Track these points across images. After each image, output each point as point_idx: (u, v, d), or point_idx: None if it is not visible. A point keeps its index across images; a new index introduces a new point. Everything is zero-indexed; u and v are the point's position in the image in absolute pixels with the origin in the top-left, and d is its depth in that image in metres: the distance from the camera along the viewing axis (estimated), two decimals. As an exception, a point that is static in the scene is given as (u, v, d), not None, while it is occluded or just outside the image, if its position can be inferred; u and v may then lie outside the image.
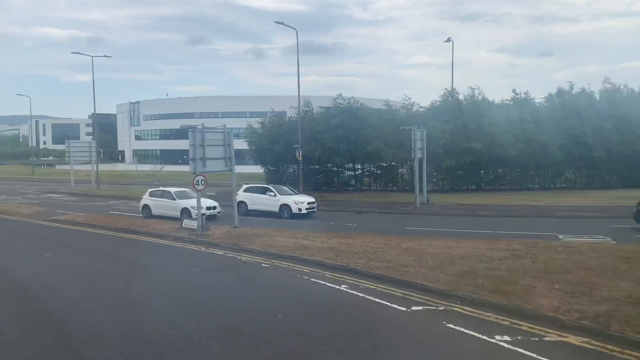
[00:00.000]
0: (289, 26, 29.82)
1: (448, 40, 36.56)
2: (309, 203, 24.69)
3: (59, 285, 12.15)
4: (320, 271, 12.94)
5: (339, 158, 32.44)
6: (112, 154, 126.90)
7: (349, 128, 31.50)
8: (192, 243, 17.20)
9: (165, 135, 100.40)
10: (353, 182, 33.93)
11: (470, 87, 34.06)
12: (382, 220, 23.59)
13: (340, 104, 33.30)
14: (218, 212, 23.87)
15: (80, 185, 43.31)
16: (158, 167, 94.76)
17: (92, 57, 41.75)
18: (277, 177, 36.19)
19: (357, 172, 35.13)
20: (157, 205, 24.78)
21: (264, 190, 25.71)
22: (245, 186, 26.31)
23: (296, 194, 25.78)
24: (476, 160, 32.29)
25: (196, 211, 20.85)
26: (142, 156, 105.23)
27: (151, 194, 25.58)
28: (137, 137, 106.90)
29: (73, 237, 19.50)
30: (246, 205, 25.33)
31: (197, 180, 17.85)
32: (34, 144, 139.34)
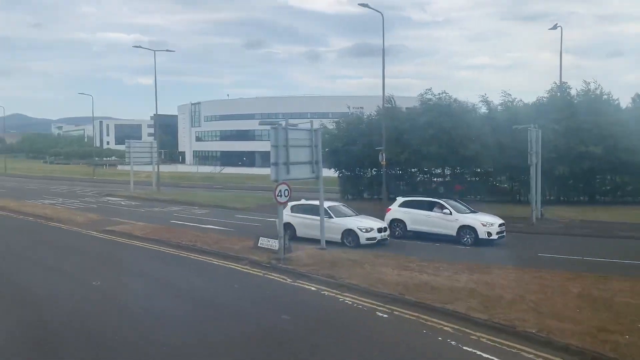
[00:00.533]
0: (374, 9, 25.77)
1: (555, 27, 31.43)
2: (499, 225, 18.31)
3: (107, 331, 8.64)
4: (470, 331, 8.78)
5: (427, 162, 28.08)
6: (172, 155, 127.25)
7: (440, 127, 27.05)
8: (274, 270, 13.43)
9: (225, 136, 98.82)
10: (442, 190, 29.42)
11: (585, 82, 28.58)
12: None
13: (430, 99, 28.88)
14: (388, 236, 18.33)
15: (140, 187, 41.01)
16: (217, 168, 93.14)
17: (155, 51, 39.41)
18: (353, 182, 32.20)
19: (446, 179, 30.56)
20: (304, 224, 18.56)
21: (431, 206, 19.37)
22: (401, 199, 20.55)
23: (473, 211, 19.44)
24: (592, 167, 27.06)
25: (366, 234, 17.20)
26: (201, 157, 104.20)
27: (294, 209, 19.20)
28: (198, 138, 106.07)
29: (128, 255, 16.23)
30: (404, 224, 19.51)
31: (280, 191, 14.06)
32: (98, 144, 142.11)
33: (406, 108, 31.42)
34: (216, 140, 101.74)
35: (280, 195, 14.07)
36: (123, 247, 17.54)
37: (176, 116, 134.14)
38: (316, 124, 34.01)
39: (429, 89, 29.16)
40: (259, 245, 15.69)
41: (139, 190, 39.30)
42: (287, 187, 14.24)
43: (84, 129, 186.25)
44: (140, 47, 38.96)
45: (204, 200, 32.74)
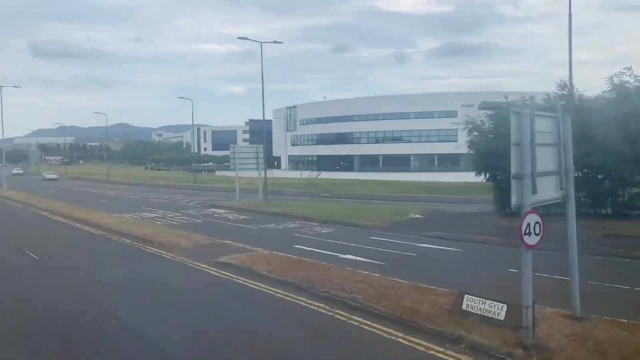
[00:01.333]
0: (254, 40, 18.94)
1: None
2: None
3: None
4: None
5: (628, 167, 20.72)
6: (267, 160, 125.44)
7: (650, 121, 19.66)
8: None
9: (322, 140, 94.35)
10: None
11: None
12: None
13: (628, 82, 21.49)
14: None
15: (244, 196, 36.77)
16: (314, 173, 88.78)
17: (261, 42, 34.90)
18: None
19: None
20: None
21: None
22: None
23: None
24: None
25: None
26: (297, 162, 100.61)
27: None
28: (293, 143, 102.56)
29: (255, 313, 10.86)
30: None
31: (529, 226, 7.96)
32: (196, 150, 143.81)
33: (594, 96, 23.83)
34: (312, 145, 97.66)
35: (529, 234, 7.96)
36: (246, 292, 12.28)
37: (270, 121, 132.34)
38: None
39: (628, 68, 21.63)
40: (463, 308, 9.70)
41: (245, 201, 34.90)
42: (538, 219, 8.11)
43: (182, 136, 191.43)
44: (246, 38, 34.62)
45: (321, 214, 27.41)
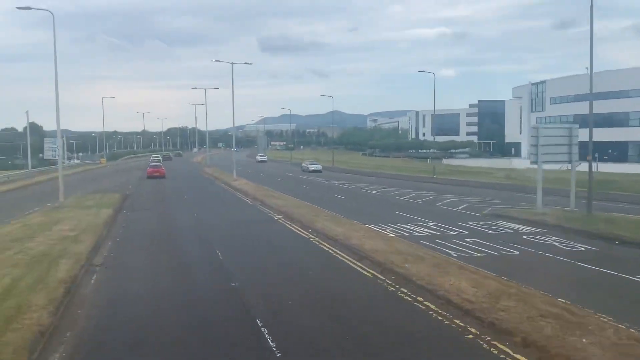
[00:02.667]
0: None
1: None
2: None
3: None
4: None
5: None
6: (499, 147, 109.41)
7: None
8: None
9: (581, 122, 75.77)
10: None
11: None
12: None
13: None
14: None
15: (531, 198, 24.92)
16: (564, 166, 71.52)
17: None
18: None
19: None
20: None
21: None
22: None
23: None
24: None
25: None
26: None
27: None
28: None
29: None
30: None
31: None
32: (413, 136, 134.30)
33: None
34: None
35: None
36: None
37: (503, 102, 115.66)
38: None
39: None
40: None
41: (553, 210, 23.00)
42: None
43: (397, 122, 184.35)
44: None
45: None
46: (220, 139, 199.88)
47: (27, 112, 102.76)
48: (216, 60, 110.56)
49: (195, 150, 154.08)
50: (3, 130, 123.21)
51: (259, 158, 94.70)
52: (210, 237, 18.77)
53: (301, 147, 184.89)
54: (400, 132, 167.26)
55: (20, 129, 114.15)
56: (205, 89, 68.80)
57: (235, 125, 59.83)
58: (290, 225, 21.13)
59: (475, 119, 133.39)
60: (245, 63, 69.19)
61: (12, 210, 27.42)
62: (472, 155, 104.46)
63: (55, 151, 45.57)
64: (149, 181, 48.48)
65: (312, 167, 61.95)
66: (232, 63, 48.03)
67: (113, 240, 18.44)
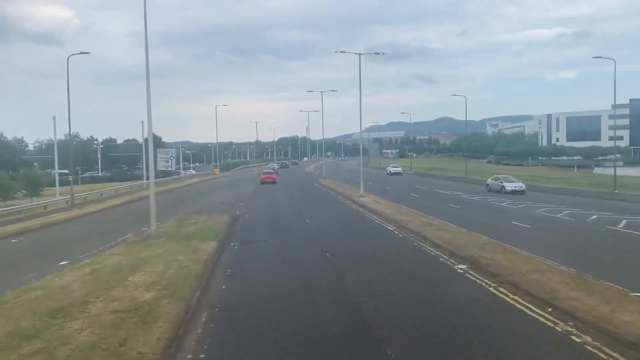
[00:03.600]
0: None
1: None
2: None
3: None
4: None
5: None
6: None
7: None
8: None
9: None
10: None
11: None
12: None
13: None
14: None
15: None
16: None
17: None
18: None
19: None
20: None
21: None
22: None
23: None
24: None
25: None
26: None
27: None
28: None
29: None
30: None
31: None
32: (544, 142, 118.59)
33: None
34: None
35: None
36: None
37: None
38: None
39: None
40: None
41: None
42: None
43: (523, 126, 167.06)
44: None
45: None
46: (328, 147, 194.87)
47: (142, 122, 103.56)
48: (341, 51, 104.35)
49: (306, 159, 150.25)
50: (125, 141, 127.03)
51: (391, 170, 78.27)
52: (373, 321, 10.30)
53: (413, 154, 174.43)
54: (526, 137, 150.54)
55: (140, 140, 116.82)
56: (321, 92, 62.06)
57: (343, 134, 52.31)
58: (503, 292, 12.09)
59: (620, 121, 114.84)
60: (376, 53, 64.24)
61: (95, 239, 21.60)
62: (627, 163, 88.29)
63: (169, 162, 41.66)
64: (263, 197, 42.14)
65: (512, 186, 41.79)
66: (360, 54, 40.06)
67: (209, 314, 10.92)
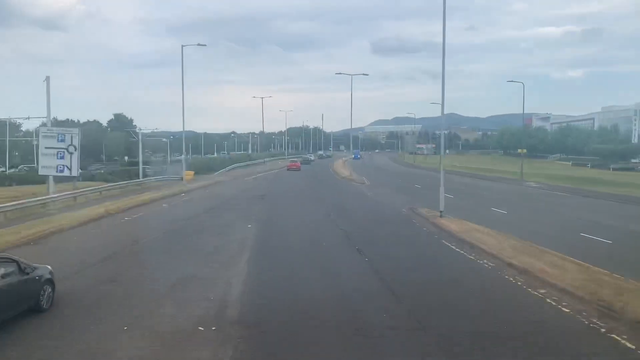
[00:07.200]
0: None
1: None
2: None
3: None
4: None
5: None
6: None
7: None
8: None
9: None
10: None
11: None
12: None
13: None
14: None
15: None
16: None
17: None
18: None
19: None
20: None
21: None
22: None
23: None
24: None
25: None
26: None
27: None
28: None
29: None
30: None
31: None
32: (638, 139, 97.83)
33: None
34: None
35: None
36: None
37: None
38: None
39: None
40: None
41: None
42: None
43: (593, 119, 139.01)
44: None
45: None
46: (339, 140, 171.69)
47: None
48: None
49: (320, 152, 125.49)
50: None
51: None
52: None
53: (446, 151, 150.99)
54: (612, 133, 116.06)
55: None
56: (351, 75, 43.25)
57: (348, 127, 34.46)
58: None
59: None
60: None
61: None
62: None
63: (63, 157, 25.72)
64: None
65: None
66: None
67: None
